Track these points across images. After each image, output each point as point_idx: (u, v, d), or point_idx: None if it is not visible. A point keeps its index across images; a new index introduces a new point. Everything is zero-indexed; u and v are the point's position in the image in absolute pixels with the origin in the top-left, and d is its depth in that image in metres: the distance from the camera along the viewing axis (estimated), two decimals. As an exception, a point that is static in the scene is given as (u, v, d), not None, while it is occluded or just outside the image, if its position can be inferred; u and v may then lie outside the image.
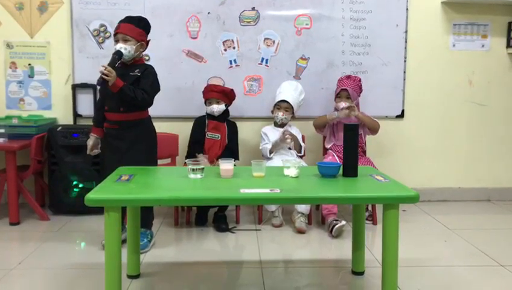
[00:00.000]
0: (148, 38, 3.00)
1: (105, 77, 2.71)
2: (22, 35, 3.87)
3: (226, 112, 3.62)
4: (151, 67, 3.00)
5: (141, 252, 2.82)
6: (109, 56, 2.87)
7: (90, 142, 3.04)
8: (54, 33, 3.88)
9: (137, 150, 2.93)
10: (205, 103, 3.61)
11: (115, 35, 2.92)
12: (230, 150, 3.54)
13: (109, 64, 2.76)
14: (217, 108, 3.52)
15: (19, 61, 3.89)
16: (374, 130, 3.66)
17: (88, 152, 3.07)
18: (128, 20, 2.92)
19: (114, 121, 2.92)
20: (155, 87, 2.97)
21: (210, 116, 3.58)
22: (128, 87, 2.79)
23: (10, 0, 3.83)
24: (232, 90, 3.61)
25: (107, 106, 2.94)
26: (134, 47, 2.86)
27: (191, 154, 3.51)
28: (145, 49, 3.01)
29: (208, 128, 3.56)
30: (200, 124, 3.60)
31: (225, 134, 3.58)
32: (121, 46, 2.83)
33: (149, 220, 3.06)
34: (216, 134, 3.55)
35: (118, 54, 2.83)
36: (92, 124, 3.11)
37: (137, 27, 2.89)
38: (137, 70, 2.91)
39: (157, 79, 3.00)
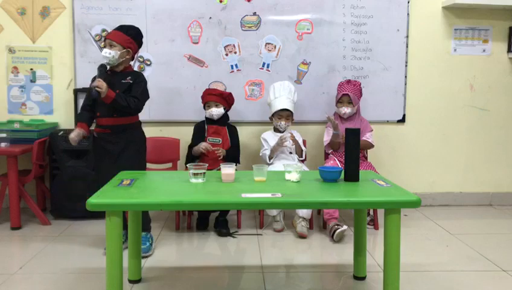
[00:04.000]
0: (137, 46, 3.06)
1: (99, 89, 2.79)
2: (24, 40, 3.88)
3: (225, 116, 3.63)
4: (142, 76, 3.08)
5: (144, 256, 2.84)
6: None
7: (72, 135, 2.94)
8: (55, 38, 3.89)
9: (130, 152, 2.99)
10: (204, 107, 3.62)
11: (104, 40, 3.03)
12: (231, 156, 3.52)
13: (99, 77, 2.84)
14: (216, 111, 3.53)
15: (20, 66, 3.91)
16: (362, 149, 3.66)
17: (73, 143, 2.97)
18: (119, 28, 3.04)
19: (106, 126, 2.97)
20: (146, 94, 3.06)
21: (209, 120, 3.59)
22: (120, 97, 2.86)
23: (12, 5, 3.85)
24: (230, 94, 3.62)
25: (99, 112, 2.98)
26: (119, 52, 2.93)
27: (190, 157, 3.53)
28: (133, 56, 3.07)
29: (208, 133, 3.57)
30: (199, 130, 3.61)
31: (226, 137, 3.59)
32: (105, 51, 2.91)
33: (147, 223, 3.08)
34: (217, 138, 3.55)
35: (102, 67, 2.93)
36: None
37: (125, 34, 2.97)
38: (129, 77, 2.99)
39: (147, 87, 3.07)
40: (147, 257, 2.93)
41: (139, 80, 3.01)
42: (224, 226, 3.44)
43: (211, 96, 3.55)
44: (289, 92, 3.65)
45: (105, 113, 2.95)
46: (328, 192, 2.25)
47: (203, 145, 3.46)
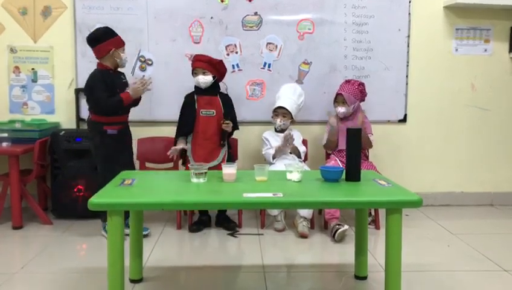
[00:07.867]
0: (110, 39, 3.17)
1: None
2: (26, 39, 3.89)
3: (216, 86, 3.51)
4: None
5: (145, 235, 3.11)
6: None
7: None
8: (57, 38, 3.90)
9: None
10: (192, 74, 3.50)
11: None
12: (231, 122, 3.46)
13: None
14: (203, 79, 3.40)
15: (22, 66, 3.91)
16: (364, 147, 3.66)
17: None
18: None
19: (126, 122, 3.35)
20: None
21: (199, 90, 3.47)
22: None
23: (14, 5, 3.85)
24: (220, 61, 3.48)
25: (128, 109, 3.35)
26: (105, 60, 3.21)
27: (179, 135, 3.50)
28: (119, 51, 3.22)
29: (199, 105, 3.45)
30: (189, 102, 3.48)
31: (220, 108, 3.48)
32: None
33: None
34: (210, 110, 3.44)
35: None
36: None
37: (92, 48, 3.20)
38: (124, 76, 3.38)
39: None
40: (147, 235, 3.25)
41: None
42: (228, 221, 3.50)
43: (199, 63, 3.41)
44: (293, 93, 3.64)
45: (127, 110, 3.35)
46: (329, 192, 2.25)
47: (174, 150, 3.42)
